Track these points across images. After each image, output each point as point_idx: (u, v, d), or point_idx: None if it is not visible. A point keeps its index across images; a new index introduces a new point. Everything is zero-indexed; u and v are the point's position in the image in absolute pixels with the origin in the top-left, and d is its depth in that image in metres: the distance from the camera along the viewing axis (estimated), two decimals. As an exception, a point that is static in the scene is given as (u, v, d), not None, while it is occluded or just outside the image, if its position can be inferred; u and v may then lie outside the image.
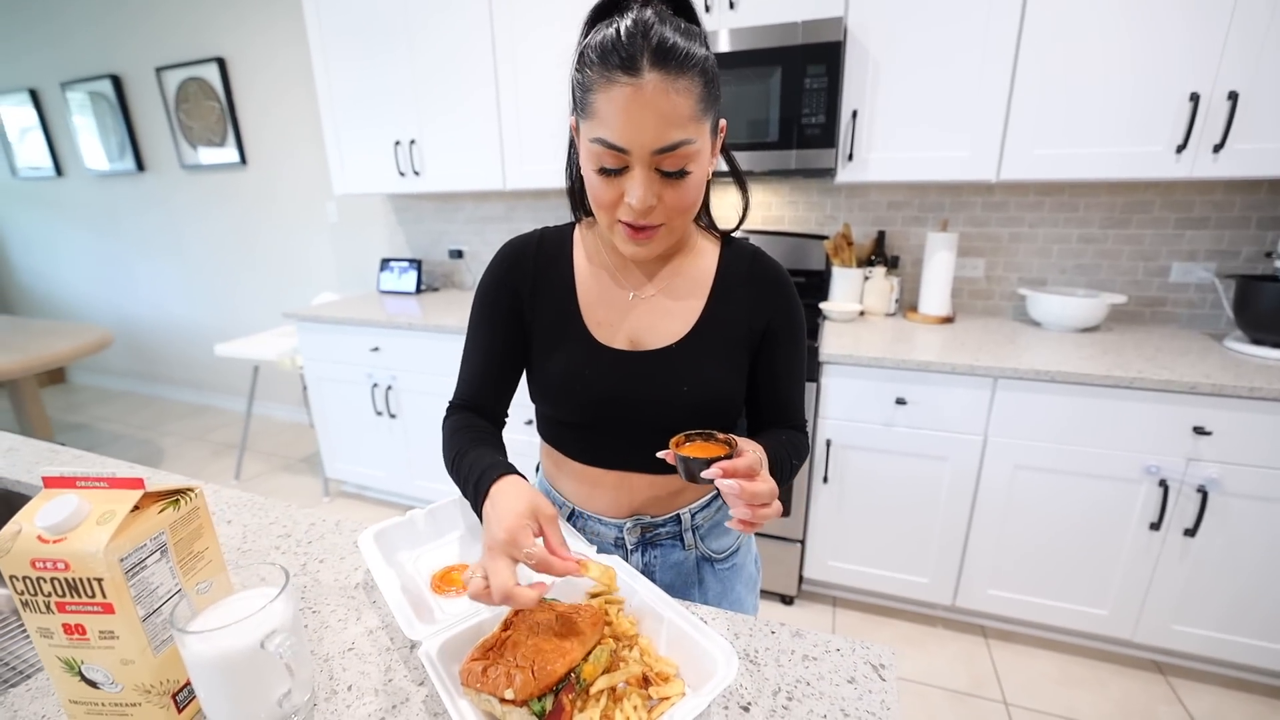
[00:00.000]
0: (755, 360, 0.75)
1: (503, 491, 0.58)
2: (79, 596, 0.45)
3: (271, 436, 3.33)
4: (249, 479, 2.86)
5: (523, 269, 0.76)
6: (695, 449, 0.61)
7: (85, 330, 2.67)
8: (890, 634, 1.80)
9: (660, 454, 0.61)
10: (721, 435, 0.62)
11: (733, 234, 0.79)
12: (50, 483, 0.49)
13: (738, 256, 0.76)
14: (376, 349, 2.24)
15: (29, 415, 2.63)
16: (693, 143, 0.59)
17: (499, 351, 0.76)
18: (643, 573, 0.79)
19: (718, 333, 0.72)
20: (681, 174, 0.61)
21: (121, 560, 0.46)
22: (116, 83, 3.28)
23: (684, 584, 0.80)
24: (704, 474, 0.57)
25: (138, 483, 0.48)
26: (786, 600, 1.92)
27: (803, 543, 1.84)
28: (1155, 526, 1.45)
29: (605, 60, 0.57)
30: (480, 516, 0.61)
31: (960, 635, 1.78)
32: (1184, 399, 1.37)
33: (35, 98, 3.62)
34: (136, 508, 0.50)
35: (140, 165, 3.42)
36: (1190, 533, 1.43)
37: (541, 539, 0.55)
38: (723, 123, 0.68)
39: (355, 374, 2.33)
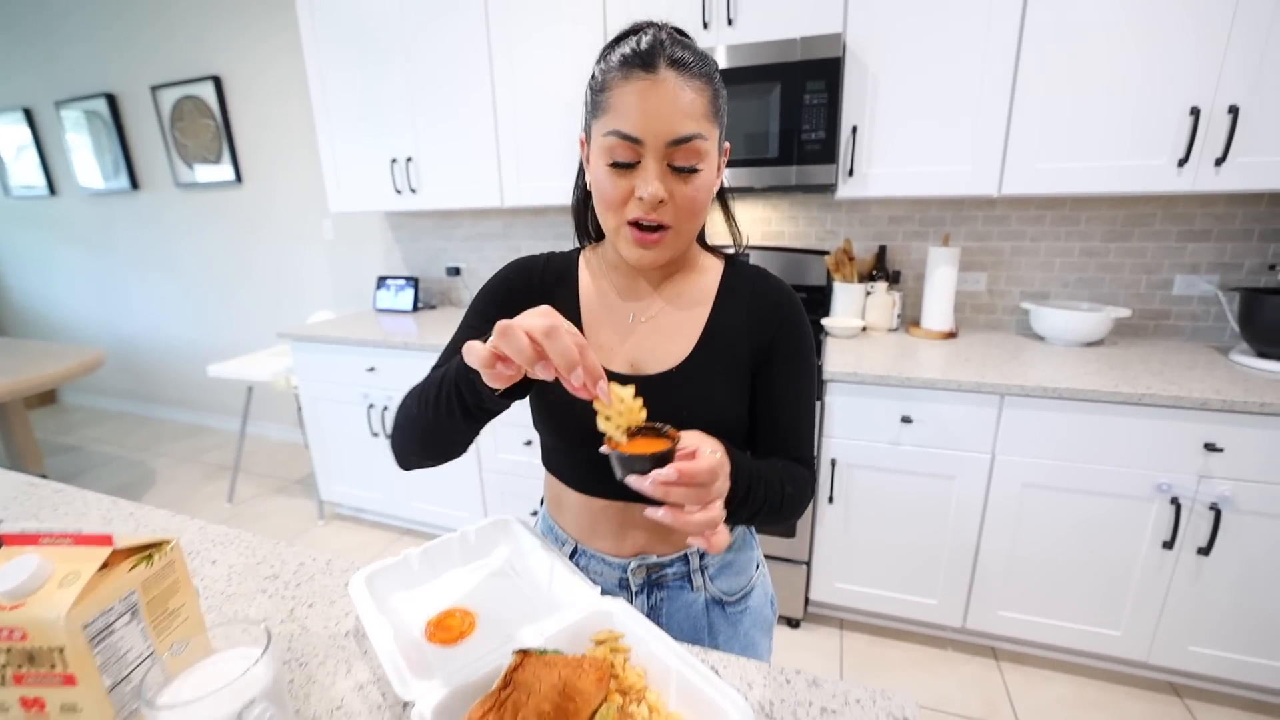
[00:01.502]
0: (753, 382, 0.71)
1: None
2: (38, 667, 0.42)
3: (266, 457, 3.28)
4: (242, 502, 2.81)
5: (529, 284, 0.75)
6: (638, 445, 0.53)
7: (76, 351, 2.63)
8: (899, 657, 1.75)
9: (602, 449, 0.53)
10: (672, 431, 0.54)
11: (737, 254, 0.78)
12: (10, 540, 0.45)
13: (741, 275, 0.75)
14: (372, 369, 2.21)
15: (17, 440, 2.58)
16: (705, 138, 0.60)
17: None
18: (648, 617, 0.75)
19: (719, 354, 0.70)
20: (692, 170, 0.61)
21: (85, 626, 0.43)
22: (111, 101, 3.26)
23: (693, 628, 0.76)
24: (628, 479, 0.50)
25: (106, 539, 0.45)
26: (793, 623, 1.88)
27: (808, 564, 1.81)
28: (1168, 545, 1.42)
29: (623, 64, 0.59)
30: (462, 382, 0.56)
31: (971, 658, 1.73)
32: (1194, 415, 1.34)
33: (29, 116, 3.60)
34: (105, 564, 0.46)
35: (134, 184, 3.40)
36: (1204, 551, 1.39)
37: None
38: (727, 145, 0.68)
39: (351, 394, 2.29)
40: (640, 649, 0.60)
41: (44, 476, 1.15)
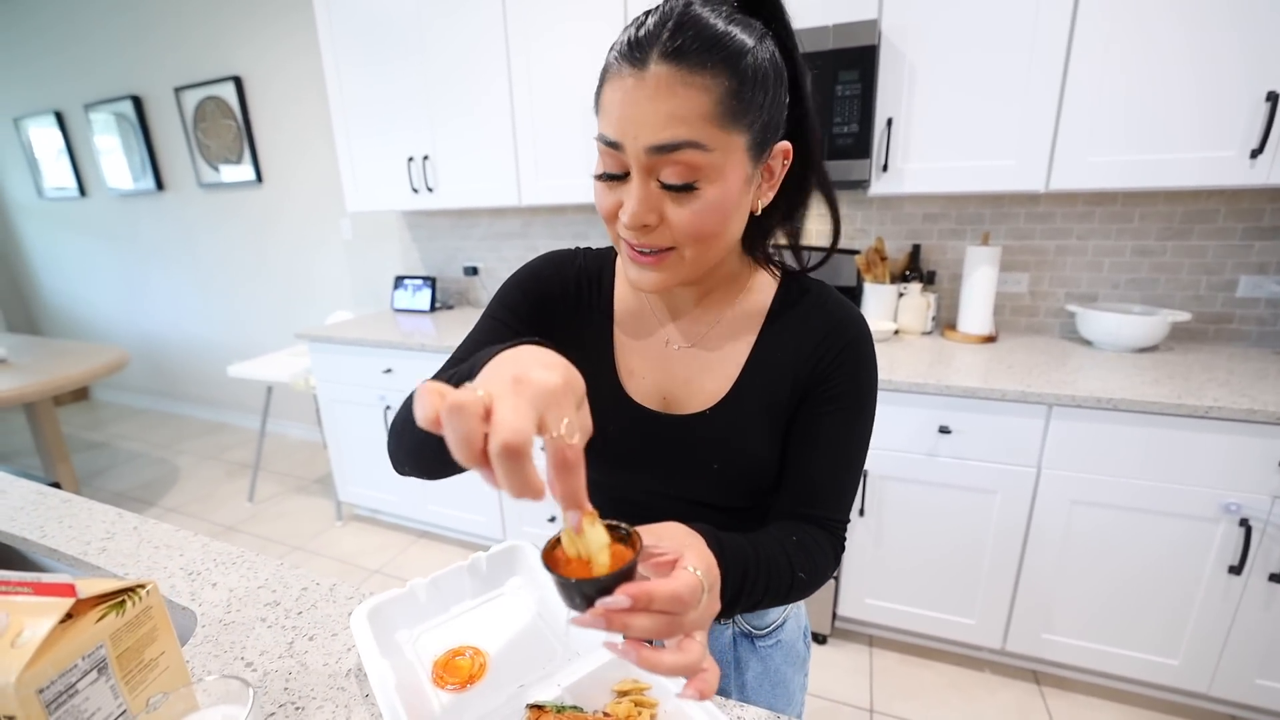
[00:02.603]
0: (790, 420, 0.60)
1: (542, 349, 0.38)
2: (-15, 741, 0.37)
3: (286, 456, 3.29)
4: (262, 501, 2.82)
5: (563, 281, 0.67)
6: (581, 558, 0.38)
7: (102, 351, 2.65)
8: (932, 678, 1.66)
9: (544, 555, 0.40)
10: (635, 534, 0.39)
11: (808, 270, 0.63)
12: (-37, 590, 0.40)
13: (797, 295, 0.62)
14: (389, 370, 2.18)
15: (44, 437, 2.61)
16: (701, 148, 0.47)
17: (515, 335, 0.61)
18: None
19: (761, 392, 0.61)
20: (688, 189, 0.49)
21: (41, 691, 0.37)
22: (138, 103, 3.29)
23: (720, 663, 0.68)
24: (574, 619, 0.37)
25: (68, 589, 0.40)
26: (820, 640, 1.80)
27: (837, 578, 1.72)
28: (1236, 570, 1.31)
29: (618, 56, 0.49)
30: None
31: (1011, 682, 1.64)
32: (1269, 430, 1.23)
33: (60, 120, 3.66)
34: (70, 615, 0.41)
35: (160, 184, 3.43)
36: (1277, 578, 1.28)
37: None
38: (785, 146, 0.53)
39: (368, 396, 2.26)
40: (668, 703, 0.54)
41: (56, 485, 1.13)
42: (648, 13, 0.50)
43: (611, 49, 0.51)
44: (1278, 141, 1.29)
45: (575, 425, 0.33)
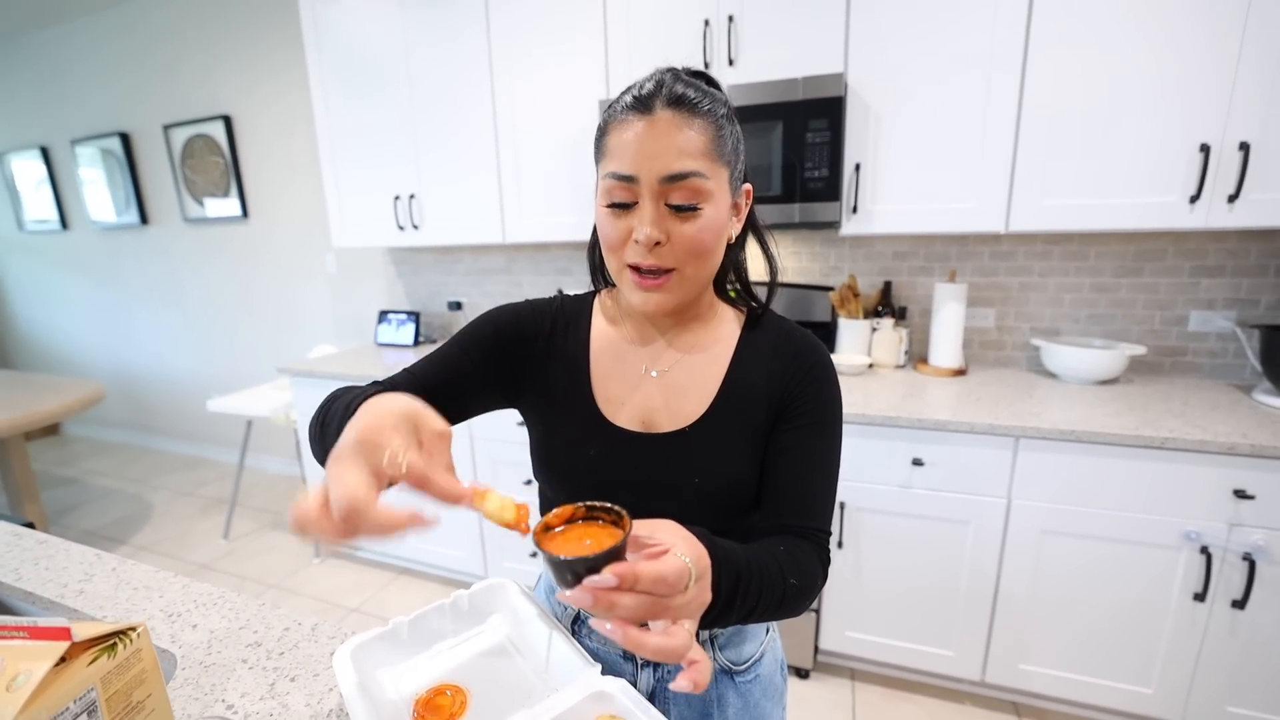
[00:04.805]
0: (766, 442, 0.66)
1: (374, 401, 0.44)
2: (-23, 785, 0.38)
3: (263, 491, 3.24)
4: (238, 538, 2.76)
5: (538, 327, 0.72)
6: (575, 536, 0.42)
7: (77, 385, 2.61)
8: (914, 711, 1.67)
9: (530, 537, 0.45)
10: (626, 518, 0.43)
11: (765, 306, 0.73)
12: (-41, 636, 0.42)
13: (764, 329, 0.70)
14: (372, 405, 2.17)
15: (14, 474, 2.55)
16: (704, 177, 0.58)
17: (466, 373, 0.68)
18: (654, 691, 0.70)
19: (736, 412, 0.66)
20: (692, 209, 0.58)
21: (34, 734, 0.39)
22: (125, 139, 3.33)
23: (702, 701, 0.71)
24: (561, 595, 0.39)
25: (63, 633, 0.41)
26: (802, 674, 1.80)
27: (817, 611, 1.74)
28: (1199, 597, 1.35)
29: (623, 109, 0.59)
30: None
31: (992, 714, 1.65)
32: (1222, 460, 1.29)
33: (45, 154, 3.67)
34: (64, 657, 0.42)
35: (144, 218, 3.44)
36: (1239, 605, 1.32)
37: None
38: (747, 187, 0.66)
39: (350, 431, 2.25)
40: (644, 737, 0.55)
41: (30, 525, 1.11)
42: (640, 81, 0.60)
43: (608, 109, 0.62)
44: (1212, 188, 1.39)
45: (399, 451, 0.40)
